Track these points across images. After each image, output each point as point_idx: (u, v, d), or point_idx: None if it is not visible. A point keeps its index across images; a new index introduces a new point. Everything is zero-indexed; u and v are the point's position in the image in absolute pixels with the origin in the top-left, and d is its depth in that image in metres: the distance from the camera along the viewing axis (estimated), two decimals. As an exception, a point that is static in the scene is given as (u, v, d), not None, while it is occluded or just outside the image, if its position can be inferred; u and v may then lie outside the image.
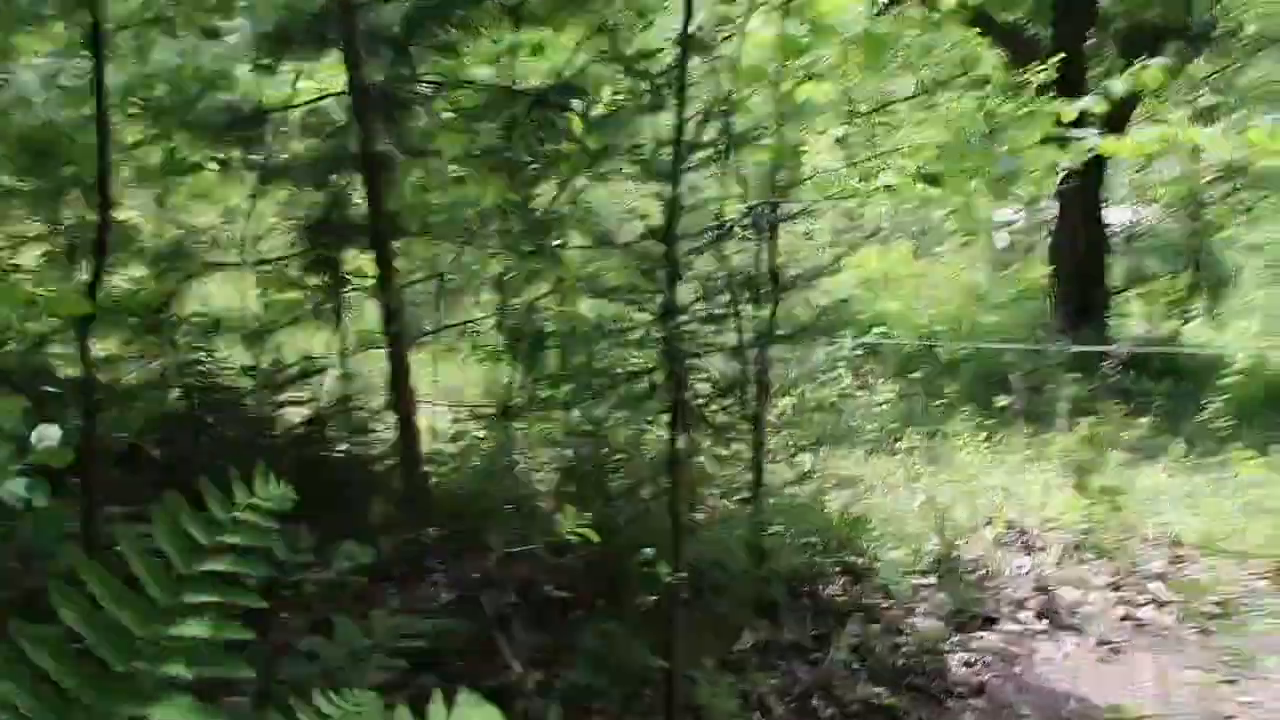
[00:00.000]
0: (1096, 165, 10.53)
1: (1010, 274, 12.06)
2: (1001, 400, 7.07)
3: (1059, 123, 4.28)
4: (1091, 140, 4.04)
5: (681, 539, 2.66)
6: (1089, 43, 9.90)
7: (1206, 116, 10.51)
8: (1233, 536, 4.83)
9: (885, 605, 3.97)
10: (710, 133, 3.98)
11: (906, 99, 9.72)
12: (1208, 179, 11.00)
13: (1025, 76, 5.34)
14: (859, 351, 5.23)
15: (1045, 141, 4.20)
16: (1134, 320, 11.64)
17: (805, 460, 4.64)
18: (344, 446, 4.71)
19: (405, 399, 4.64)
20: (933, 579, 4.21)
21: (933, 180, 3.96)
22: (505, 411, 3.97)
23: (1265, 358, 10.42)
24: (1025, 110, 4.33)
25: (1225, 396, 7.17)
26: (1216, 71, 10.22)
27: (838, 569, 4.16)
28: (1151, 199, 12.02)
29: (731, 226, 4.04)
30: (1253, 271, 12.82)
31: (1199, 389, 8.65)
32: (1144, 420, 6.41)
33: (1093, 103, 4.20)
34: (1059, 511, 4.98)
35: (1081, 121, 4.28)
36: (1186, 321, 11.41)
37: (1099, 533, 4.77)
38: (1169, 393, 8.20)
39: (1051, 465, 5.80)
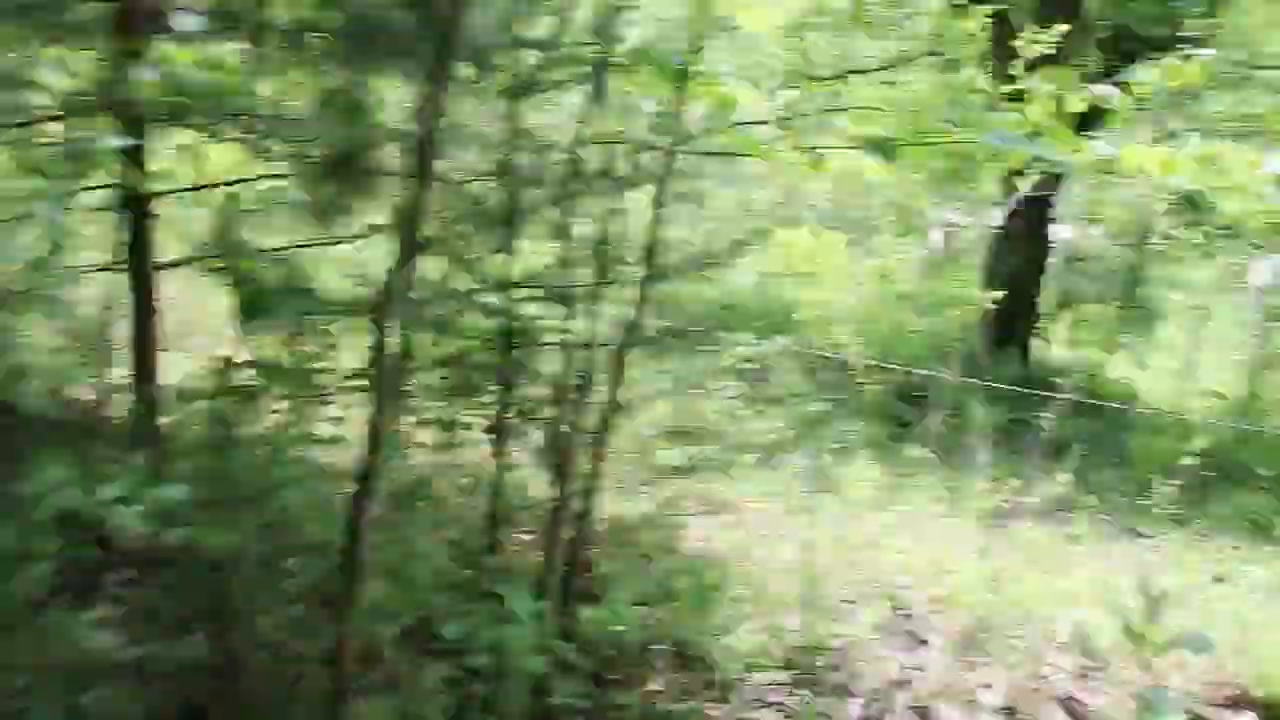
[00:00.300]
0: (1055, 175, 9.64)
1: (940, 279, 11.12)
2: (915, 427, 6.11)
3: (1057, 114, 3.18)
4: (1105, 148, 2.98)
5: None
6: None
7: (1164, 140, 9.63)
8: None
9: (714, 713, 2.93)
10: (577, 38, 2.82)
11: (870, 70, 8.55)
12: (1162, 208, 10.20)
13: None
14: (749, 361, 4.14)
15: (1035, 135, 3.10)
16: (1055, 347, 10.88)
17: (656, 496, 3.57)
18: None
19: (143, 336, 3.43)
20: (787, 677, 3.18)
21: (883, 151, 2.84)
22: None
23: (1185, 408, 9.75)
24: (1015, 88, 3.22)
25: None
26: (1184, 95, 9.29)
27: (669, 649, 3.11)
28: (1097, 220, 11.18)
29: (590, 174, 2.88)
30: (1174, 310, 12.20)
31: (1118, 435, 7.90)
32: (1065, 477, 5.51)
33: (1112, 93, 3.13)
34: (955, 590, 4.00)
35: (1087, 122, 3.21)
36: (1107, 355, 10.69)
37: (1000, 625, 3.82)
38: (1088, 437, 7.36)
39: (962, 522, 4.84)
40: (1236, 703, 3.66)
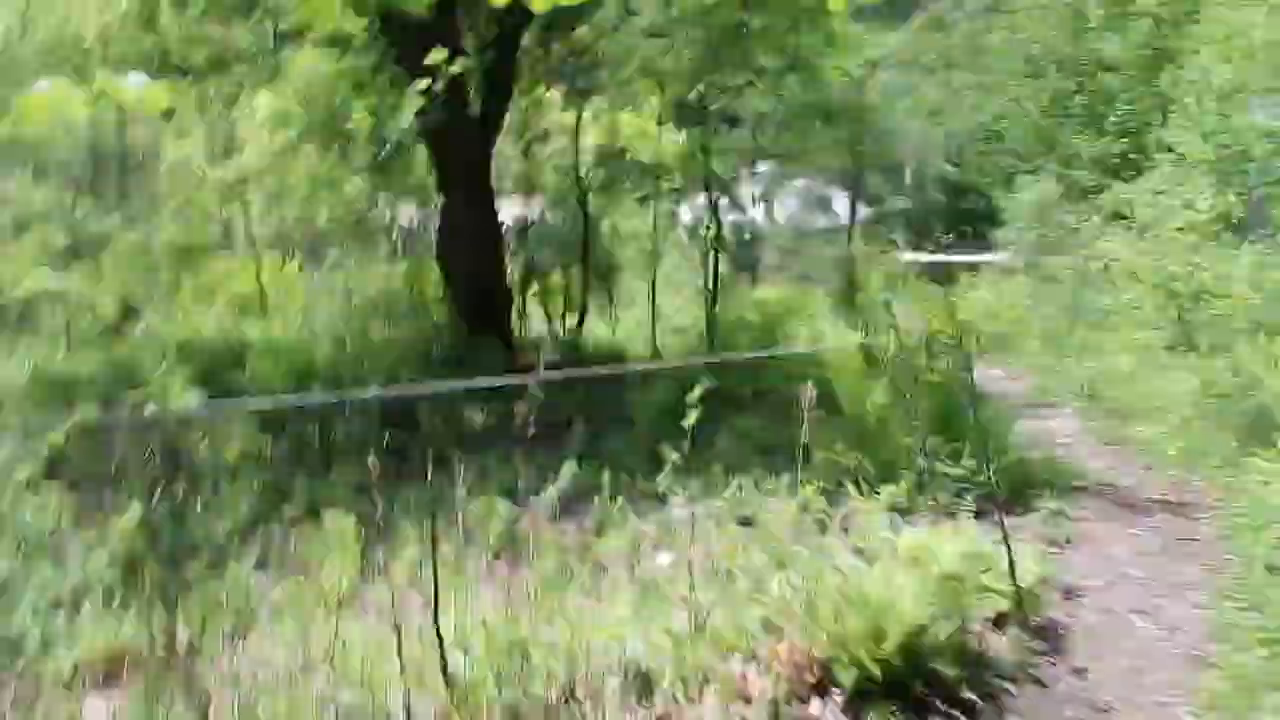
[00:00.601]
0: (483, 151, 9.01)
1: (402, 283, 10.05)
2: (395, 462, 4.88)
3: None
4: None
5: None
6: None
7: (583, 96, 9.52)
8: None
9: None
10: None
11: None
12: (588, 165, 10.08)
13: None
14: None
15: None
16: (532, 322, 10.45)
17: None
18: None
19: None
20: None
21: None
22: None
23: (664, 354, 9.83)
24: None
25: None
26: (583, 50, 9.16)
27: None
28: (539, 189, 10.88)
29: None
30: (629, 261, 12.51)
31: (616, 397, 7.47)
32: (568, 467, 4.69)
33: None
34: (475, 676, 2.87)
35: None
36: (583, 318, 10.50)
37: (546, 694, 2.78)
38: (587, 409, 6.75)
39: (467, 567, 3.75)
40: (820, 685, 3.01)
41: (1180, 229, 11.45)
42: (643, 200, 12.38)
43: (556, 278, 11.27)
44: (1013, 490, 4.88)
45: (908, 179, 20.31)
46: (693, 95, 10.66)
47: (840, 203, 16.80)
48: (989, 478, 4.72)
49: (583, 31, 9.64)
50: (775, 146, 14.96)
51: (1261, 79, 10.51)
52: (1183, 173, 12.27)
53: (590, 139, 10.29)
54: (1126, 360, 9.22)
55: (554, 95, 10.14)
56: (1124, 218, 13.02)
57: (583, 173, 10.07)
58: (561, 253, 11.04)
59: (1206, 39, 11.74)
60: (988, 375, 9.25)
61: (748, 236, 15.39)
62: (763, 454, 5.91)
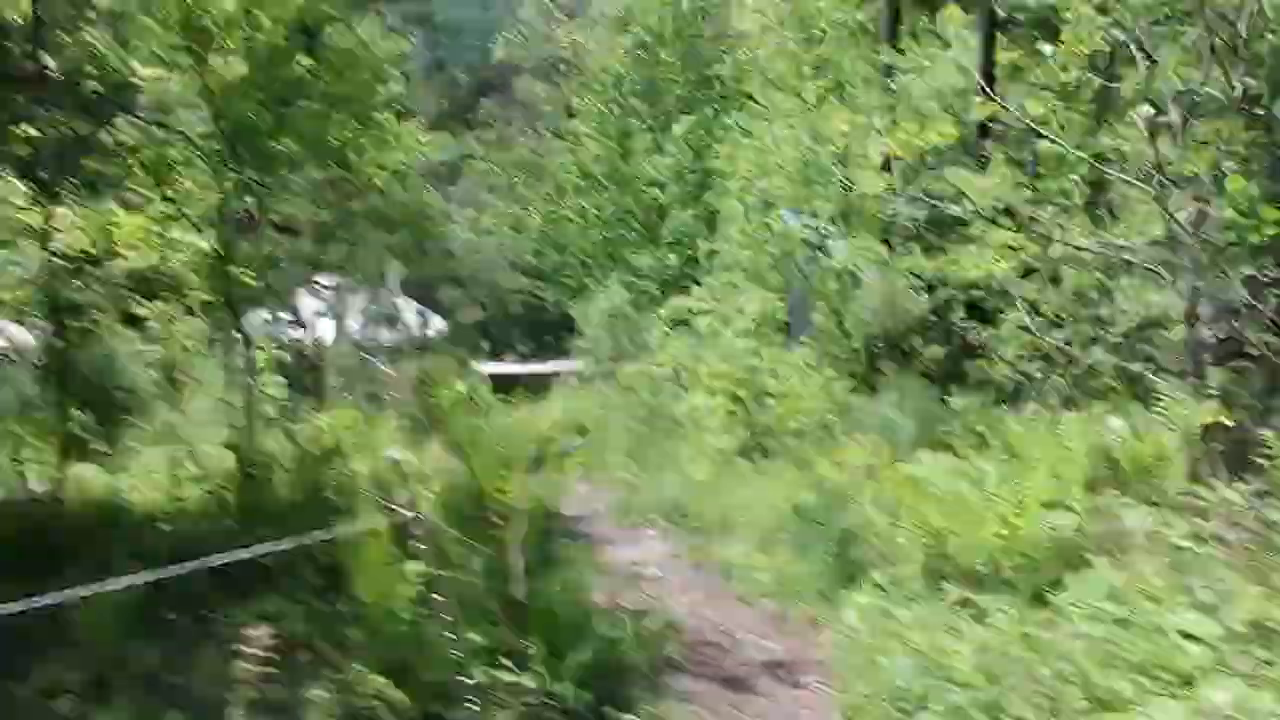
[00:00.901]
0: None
1: None
2: None
3: None
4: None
5: None
6: None
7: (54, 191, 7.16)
8: None
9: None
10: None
11: None
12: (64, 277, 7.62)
13: None
14: None
15: None
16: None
17: None
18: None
19: None
20: None
21: None
22: None
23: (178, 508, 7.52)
24: None
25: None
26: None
27: None
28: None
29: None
30: (154, 394, 9.98)
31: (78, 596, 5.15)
32: None
33: None
34: None
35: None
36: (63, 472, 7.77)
37: None
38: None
39: None
40: None
41: (734, 334, 11.54)
42: (163, 319, 9.95)
43: (37, 419, 8.46)
44: (599, 693, 3.57)
45: (482, 290, 19.52)
46: (215, 195, 8.70)
47: (411, 316, 15.41)
48: (564, 687, 3.36)
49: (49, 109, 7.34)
50: (333, 255, 13.21)
51: (790, 191, 10.95)
52: (732, 280, 12.58)
53: (68, 244, 7.86)
54: (703, 470, 8.66)
55: (15, 187, 7.62)
56: (686, 324, 13.09)
57: (58, 286, 7.58)
58: (39, 388, 8.31)
59: (742, 158, 12.18)
60: (569, 497, 8.18)
61: (306, 356, 13.35)
62: (280, 666, 4.11)
